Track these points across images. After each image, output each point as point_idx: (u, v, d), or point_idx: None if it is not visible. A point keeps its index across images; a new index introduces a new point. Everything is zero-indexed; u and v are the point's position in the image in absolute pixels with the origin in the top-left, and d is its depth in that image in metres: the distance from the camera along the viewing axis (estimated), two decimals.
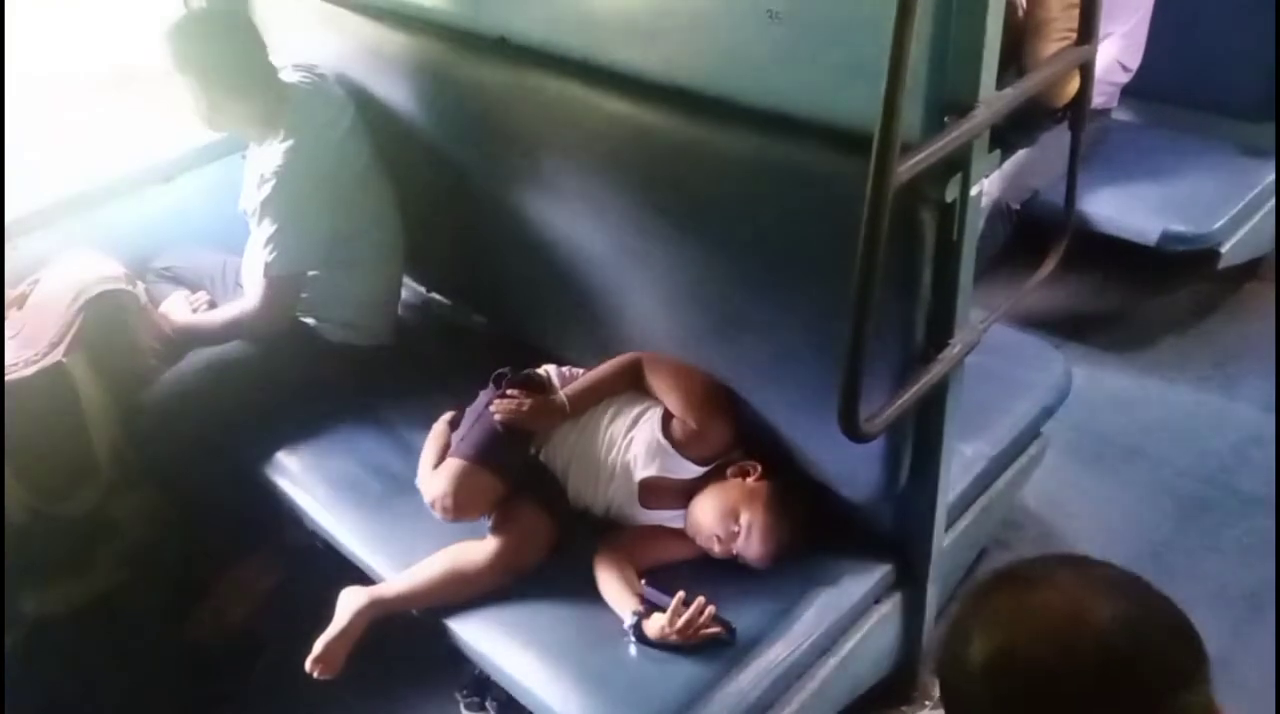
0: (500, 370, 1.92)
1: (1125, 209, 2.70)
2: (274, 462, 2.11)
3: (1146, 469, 2.47)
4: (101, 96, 2.47)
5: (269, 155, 2.08)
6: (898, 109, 1.16)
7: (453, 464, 1.83)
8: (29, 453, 2.06)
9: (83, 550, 2.28)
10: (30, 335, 2.08)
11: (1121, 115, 2.94)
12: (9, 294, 2.21)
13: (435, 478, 1.84)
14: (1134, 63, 2.70)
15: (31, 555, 2.17)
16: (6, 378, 1.99)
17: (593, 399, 1.86)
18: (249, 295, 2.17)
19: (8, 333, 2.13)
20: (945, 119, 1.33)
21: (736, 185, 1.62)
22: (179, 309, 2.25)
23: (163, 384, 2.12)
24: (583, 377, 1.90)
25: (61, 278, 2.16)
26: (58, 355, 2.04)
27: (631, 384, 1.87)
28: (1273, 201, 2.76)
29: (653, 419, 1.82)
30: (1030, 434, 2.10)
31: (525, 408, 1.83)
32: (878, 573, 1.77)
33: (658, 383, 1.83)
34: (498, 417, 1.82)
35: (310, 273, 2.13)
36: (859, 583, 1.74)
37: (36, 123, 2.41)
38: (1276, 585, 2.08)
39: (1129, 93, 2.84)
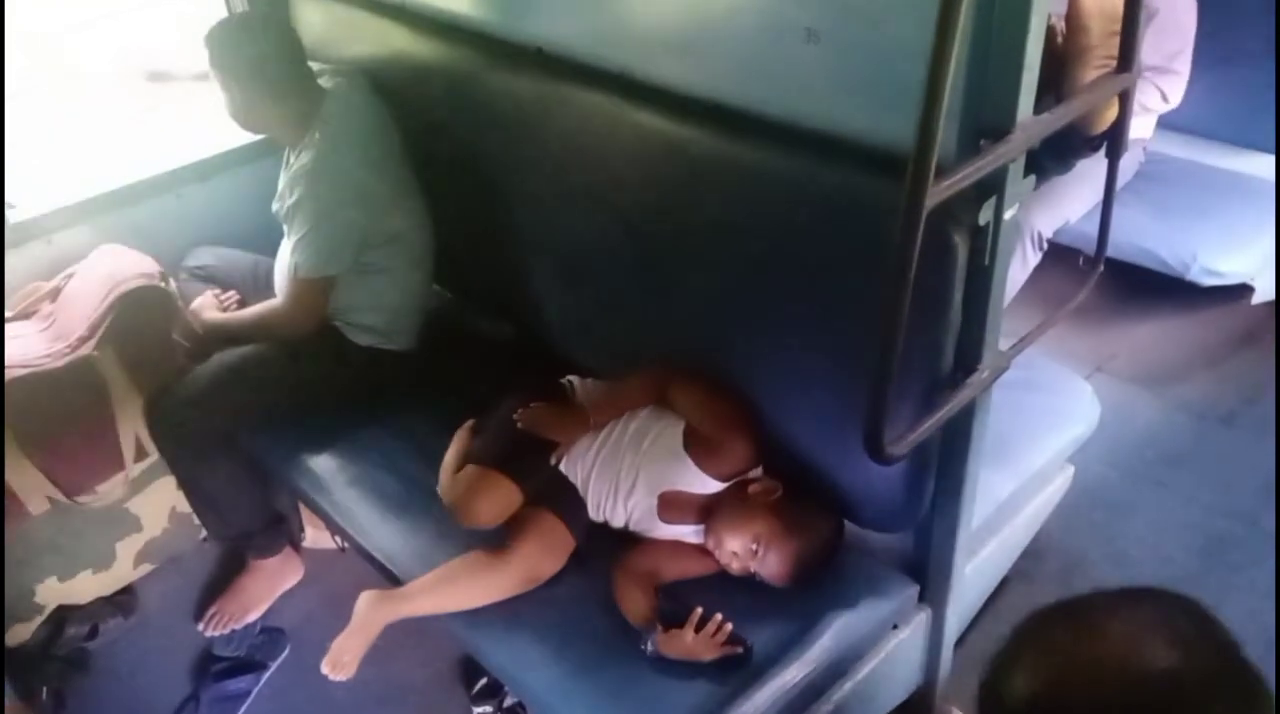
0: (524, 379, 1.92)
1: (1159, 240, 2.68)
2: (297, 462, 2.12)
3: (1173, 504, 2.44)
4: (142, 96, 2.50)
5: (303, 159, 2.10)
6: (934, 131, 1.15)
7: (473, 470, 1.83)
8: (56, 444, 2.08)
9: (106, 544, 2.30)
10: (62, 328, 2.11)
11: (1157, 147, 2.92)
12: (44, 287, 2.24)
13: (455, 483, 1.84)
14: (1175, 95, 2.68)
15: (53, 547, 2.19)
16: (37, 369, 2.01)
17: (615, 411, 1.86)
18: (279, 297, 2.19)
19: (41, 325, 2.16)
20: (981, 142, 1.32)
21: (767, 202, 1.62)
22: (209, 307, 2.27)
23: (190, 381, 2.13)
24: (606, 388, 1.90)
25: (96, 272, 2.18)
26: (88, 348, 2.06)
27: (655, 398, 1.86)
28: None
29: (675, 433, 1.81)
30: (1056, 464, 2.08)
31: (548, 417, 1.83)
32: (897, 597, 1.75)
33: (681, 398, 1.83)
34: (521, 425, 1.83)
35: (339, 276, 2.14)
36: (878, 606, 1.73)
37: (79, 120, 2.45)
38: None
39: (1165, 125, 2.82)
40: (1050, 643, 0.86)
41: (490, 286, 2.41)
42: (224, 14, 2.45)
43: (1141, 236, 2.66)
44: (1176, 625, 0.84)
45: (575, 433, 1.85)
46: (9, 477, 2.04)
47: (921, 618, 1.80)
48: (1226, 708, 0.81)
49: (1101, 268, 1.71)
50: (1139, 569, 2.25)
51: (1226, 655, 0.83)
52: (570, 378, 1.97)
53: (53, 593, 2.24)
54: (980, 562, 1.90)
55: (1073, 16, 1.50)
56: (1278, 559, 2.20)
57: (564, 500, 1.84)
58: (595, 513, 1.85)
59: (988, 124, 1.32)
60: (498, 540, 1.80)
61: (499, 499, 1.80)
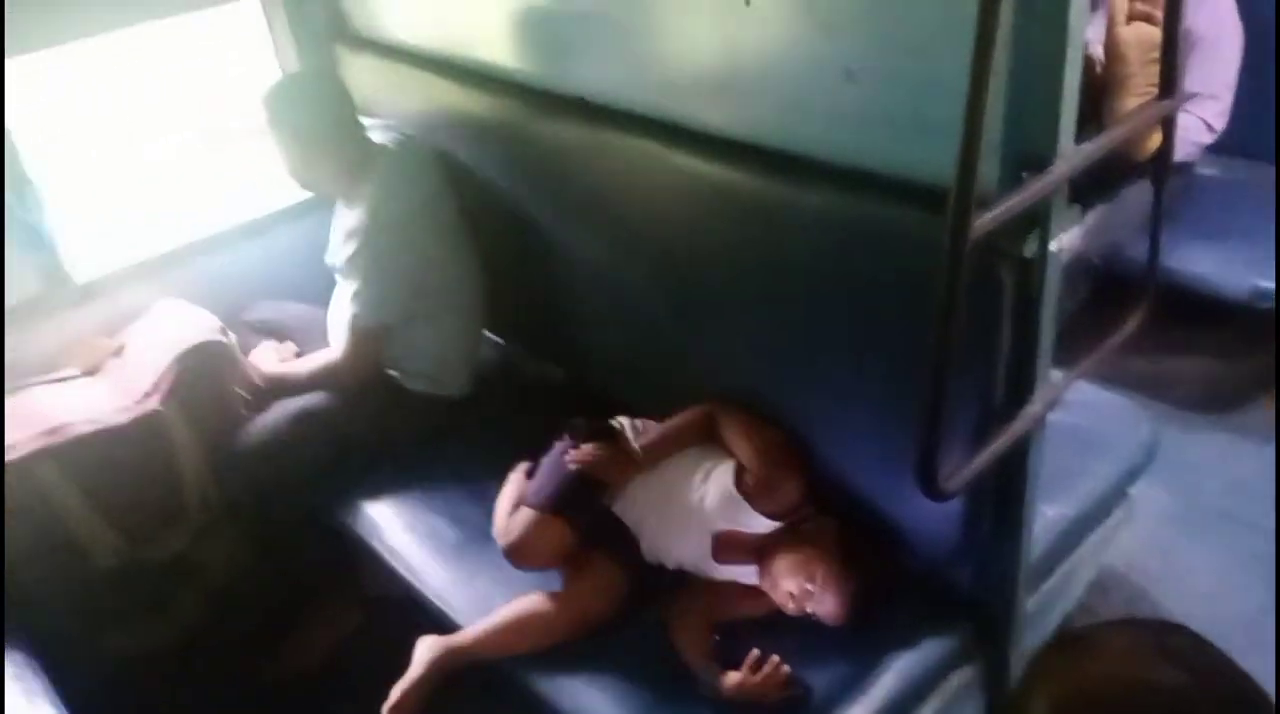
0: (574, 420, 1.94)
1: (1212, 265, 2.64)
2: (354, 509, 2.15)
3: (1238, 534, 2.38)
4: (201, 155, 2.60)
5: (355, 212, 2.15)
6: (974, 164, 1.16)
7: (526, 514, 1.84)
8: (122, 498, 2.12)
9: (167, 593, 2.34)
10: (128, 385, 2.16)
11: (1206, 170, 2.88)
12: (109, 344, 2.31)
13: (509, 527, 1.86)
14: (1220, 124, 2.65)
15: (119, 597, 2.24)
16: (104, 425, 2.07)
17: (666, 451, 1.87)
18: (334, 347, 2.24)
19: (107, 381, 2.22)
20: (1023, 174, 1.32)
21: (812, 240, 1.63)
22: (268, 359, 2.33)
23: (250, 431, 2.18)
24: (656, 428, 1.91)
25: (159, 329, 2.25)
26: (153, 404, 2.11)
27: (704, 436, 1.87)
28: None
29: (726, 472, 1.81)
30: (1116, 495, 2.04)
31: (599, 458, 1.84)
32: (958, 636, 1.73)
33: (730, 435, 1.83)
34: (573, 466, 1.84)
35: (393, 326, 2.18)
36: (937, 646, 1.70)
37: (141, 180, 2.54)
38: None
39: (1213, 148, 2.79)
40: (1060, 668, 0.87)
41: (539, 330, 2.44)
42: (278, 74, 2.54)
43: (1194, 262, 2.62)
44: (1177, 646, 0.85)
45: (626, 474, 1.86)
46: (77, 530, 2.09)
47: (983, 658, 1.76)
48: None
49: (1153, 294, 1.69)
50: (1207, 601, 2.19)
51: (1228, 671, 0.83)
52: (620, 418, 1.98)
53: (119, 643, 2.28)
54: (1042, 597, 1.86)
55: (1111, 46, 1.50)
56: (1277, 562, 2.13)
57: (617, 541, 1.85)
58: (649, 554, 1.85)
59: (1029, 156, 1.32)
60: (553, 583, 1.81)
61: (553, 541, 1.81)
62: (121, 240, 2.48)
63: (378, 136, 2.25)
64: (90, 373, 2.27)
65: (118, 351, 2.29)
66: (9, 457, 1.97)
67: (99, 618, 2.24)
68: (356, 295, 2.14)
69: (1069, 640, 0.90)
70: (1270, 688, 0.84)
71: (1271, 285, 2.57)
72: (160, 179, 2.58)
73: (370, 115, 2.28)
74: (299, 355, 2.38)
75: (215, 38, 2.52)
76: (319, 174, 2.20)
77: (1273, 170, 2.86)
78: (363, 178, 2.16)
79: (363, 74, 2.46)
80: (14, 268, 2.22)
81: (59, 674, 1.86)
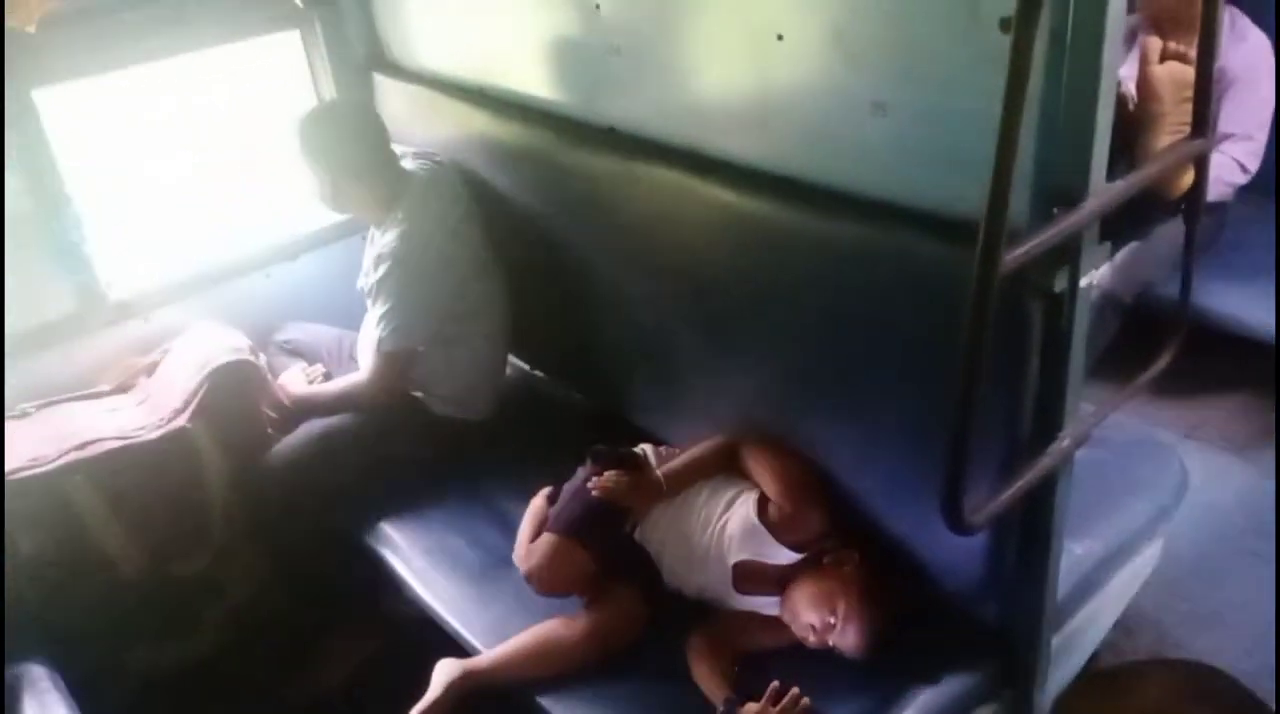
0: (597, 447, 1.94)
1: (1243, 304, 2.62)
2: (377, 531, 2.16)
3: (1267, 574, 2.33)
4: (236, 179, 2.64)
5: (387, 238, 2.18)
6: (1004, 199, 1.16)
7: (548, 539, 1.84)
8: (149, 514, 2.15)
9: (191, 610, 2.35)
10: (158, 402, 2.20)
11: (1238, 209, 2.86)
12: (142, 362, 2.34)
13: (531, 552, 1.86)
14: (1253, 164, 2.64)
15: (142, 613, 2.25)
16: (133, 440, 2.09)
17: (690, 479, 1.86)
18: (362, 369, 2.25)
19: (138, 398, 2.26)
20: (1054, 210, 1.32)
21: (839, 272, 1.63)
22: (296, 380, 2.35)
23: (277, 452, 2.21)
24: (679, 456, 1.91)
25: (190, 348, 2.28)
26: (183, 420, 2.13)
27: (727, 465, 1.87)
28: None
29: (748, 502, 1.81)
30: (1146, 534, 2.01)
31: (622, 486, 1.84)
32: (981, 672, 1.70)
33: (753, 465, 1.83)
34: (595, 493, 1.84)
35: (420, 349, 2.20)
36: (961, 682, 1.68)
37: (176, 201, 2.58)
38: None
39: (1247, 188, 2.77)
40: (1093, 706, 0.85)
41: (564, 357, 2.46)
42: (314, 102, 2.58)
43: (1225, 301, 2.60)
44: (1212, 688, 0.83)
45: (650, 501, 1.86)
46: (104, 544, 2.11)
47: (1008, 694, 1.74)
48: None
49: (1183, 333, 1.68)
50: (1234, 642, 2.15)
51: (1255, 709, 0.81)
52: (643, 446, 1.98)
53: (141, 660, 2.29)
54: (1068, 635, 1.83)
55: (1144, 84, 1.50)
56: (1277, 586, 2.10)
57: (638, 569, 1.84)
58: (670, 581, 1.84)
59: (1060, 191, 1.32)
60: (573, 609, 1.81)
61: (574, 567, 1.81)
62: (157, 261, 2.51)
63: (410, 164, 2.28)
64: (122, 390, 2.30)
65: (150, 370, 2.32)
66: (39, 469, 2.00)
67: (122, 634, 2.25)
68: (384, 318, 2.16)
69: (1103, 678, 0.88)
70: None
71: None
72: (197, 201, 2.61)
73: (402, 143, 2.31)
74: (327, 378, 2.40)
75: (256, 65, 2.56)
76: (351, 200, 2.23)
77: None
78: (394, 204, 2.19)
79: (398, 102, 2.50)
80: (51, 285, 2.27)
81: (80, 688, 1.87)
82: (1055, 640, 1.76)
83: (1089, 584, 1.88)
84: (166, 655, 2.32)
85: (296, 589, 2.30)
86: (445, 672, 1.80)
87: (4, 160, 2.11)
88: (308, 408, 2.27)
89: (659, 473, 1.87)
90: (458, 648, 1.90)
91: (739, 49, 1.69)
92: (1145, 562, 2.04)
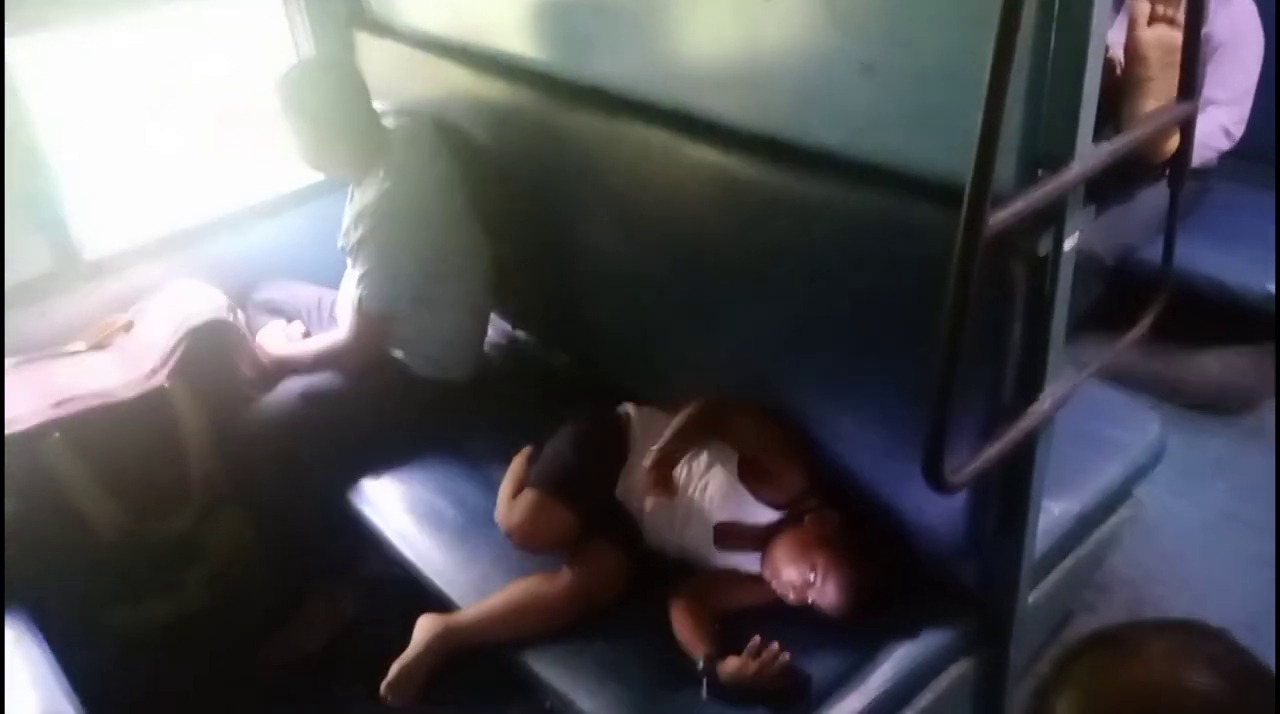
0: (580, 407, 1.93)
1: (1226, 269, 2.63)
2: (358, 490, 2.16)
3: (1244, 537, 2.37)
4: (214, 136, 2.60)
5: (367, 196, 2.16)
6: (991, 161, 1.16)
7: (529, 495, 1.85)
8: (127, 473, 2.14)
9: (172, 571, 2.35)
10: (135, 360, 2.17)
11: (1223, 175, 2.87)
12: (119, 320, 2.32)
13: (512, 508, 1.87)
14: (1238, 130, 2.64)
15: (122, 574, 2.25)
16: (110, 399, 2.08)
17: (683, 452, 1.79)
18: (342, 328, 2.24)
19: (115, 357, 2.23)
20: (1039, 172, 1.32)
21: (825, 234, 1.63)
22: (275, 339, 2.33)
23: (256, 411, 2.19)
24: (667, 431, 1.79)
25: (167, 306, 2.26)
26: (160, 379, 2.12)
27: (712, 434, 1.86)
28: None
29: (729, 461, 1.81)
30: (1121, 495, 2.04)
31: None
32: (958, 628, 1.73)
33: (734, 427, 1.83)
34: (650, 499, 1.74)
35: (400, 309, 2.19)
36: (938, 637, 1.71)
37: (152, 159, 2.54)
38: None
39: (1231, 152, 2.77)
40: (1090, 670, 0.86)
41: (548, 317, 2.45)
42: (293, 59, 2.54)
43: (1208, 265, 2.61)
44: (1213, 651, 0.84)
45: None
46: (82, 503, 2.10)
47: (983, 651, 1.77)
48: None
49: (1165, 296, 1.69)
50: (1209, 603, 2.19)
51: (1265, 679, 0.82)
52: (626, 405, 1.98)
53: (122, 620, 2.29)
54: (1044, 594, 1.86)
55: (1131, 48, 1.49)
56: (1277, 563, 2.14)
57: (620, 527, 1.85)
58: (651, 541, 1.85)
59: (1046, 154, 1.32)
60: (555, 566, 1.82)
61: (556, 524, 1.82)
62: (133, 219, 2.48)
63: (390, 122, 2.25)
64: (100, 348, 2.28)
65: (127, 328, 2.29)
66: (15, 428, 1.98)
67: (101, 593, 2.25)
68: (364, 278, 2.14)
69: (1103, 639, 0.88)
70: None
71: None
72: (174, 159, 2.58)
73: (383, 100, 2.27)
74: (307, 336, 2.38)
75: (235, 21, 2.52)
76: (331, 158, 2.20)
77: None
78: (375, 163, 2.17)
79: (379, 60, 2.46)
80: (26, 243, 2.23)
81: (61, 647, 1.87)
82: (1032, 598, 1.79)
83: (1066, 544, 1.91)
84: (148, 615, 2.32)
85: (278, 548, 2.30)
86: (427, 628, 1.81)
87: None
88: (286, 367, 2.25)
89: (641, 433, 1.87)
90: (439, 606, 1.90)
91: (727, 7, 1.67)
92: (1122, 521, 2.07)
